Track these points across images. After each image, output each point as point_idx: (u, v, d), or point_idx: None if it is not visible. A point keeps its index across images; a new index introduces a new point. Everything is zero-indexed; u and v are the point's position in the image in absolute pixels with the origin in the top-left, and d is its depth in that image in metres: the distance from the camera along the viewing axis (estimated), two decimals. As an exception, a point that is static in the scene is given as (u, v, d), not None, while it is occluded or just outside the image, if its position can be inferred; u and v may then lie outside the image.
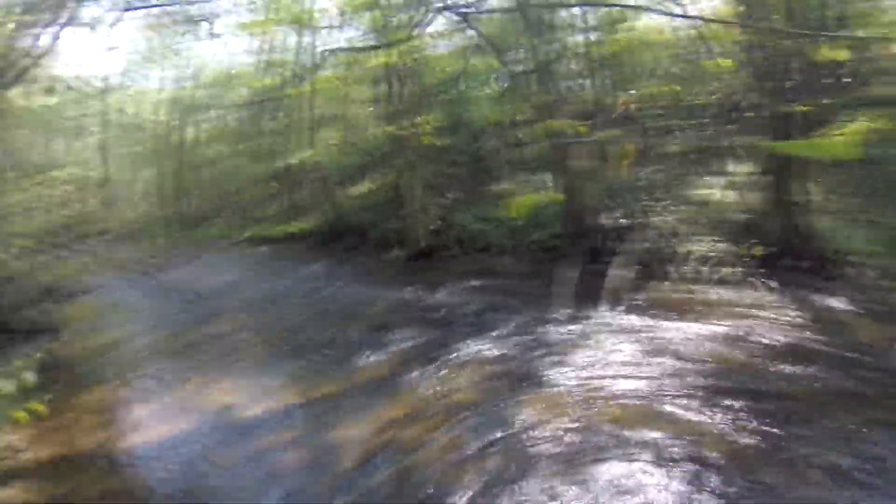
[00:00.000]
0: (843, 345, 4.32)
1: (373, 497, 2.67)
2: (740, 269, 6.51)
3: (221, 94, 20.02)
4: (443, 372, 4.24)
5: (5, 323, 5.59)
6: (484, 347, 4.75)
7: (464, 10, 3.76)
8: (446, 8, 4.15)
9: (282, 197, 18.61)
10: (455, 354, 4.61)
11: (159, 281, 9.26)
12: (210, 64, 23.63)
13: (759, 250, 6.52)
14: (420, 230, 10.65)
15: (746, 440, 2.94)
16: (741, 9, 6.80)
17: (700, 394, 3.53)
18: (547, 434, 3.14)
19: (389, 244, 11.24)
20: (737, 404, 3.33)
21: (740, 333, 4.67)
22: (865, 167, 8.98)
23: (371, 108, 15.94)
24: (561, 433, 3.14)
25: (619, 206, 8.29)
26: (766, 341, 4.46)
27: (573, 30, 12.28)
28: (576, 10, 10.74)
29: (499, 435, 3.16)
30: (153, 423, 3.54)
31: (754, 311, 5.34)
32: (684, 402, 3.43)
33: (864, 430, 2.94)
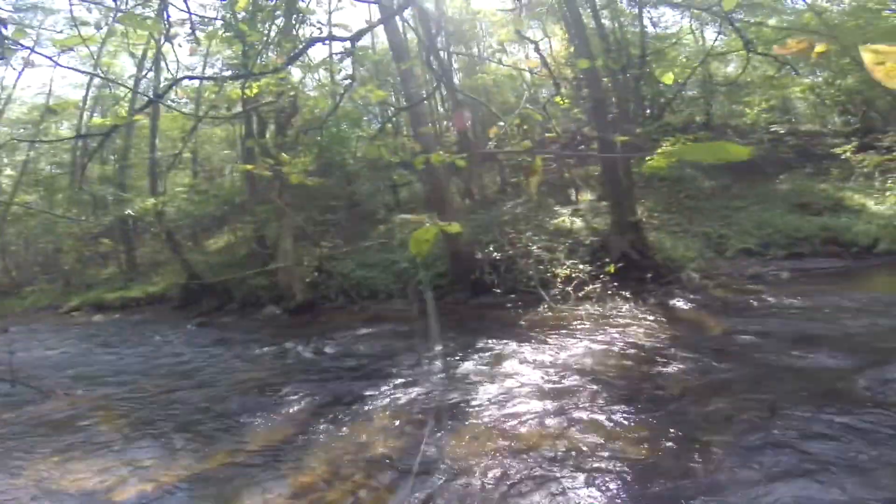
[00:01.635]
0: (694, 340, 5.16)
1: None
2: (598, 285, 7.35)
3: (35, 133, 16.65)
4: (348, 426, 3.86)
5: None
6: (385, 395, 4.48)
7: (342, 39, 3.73)
8: (323, 38, 4.10)
9: (118, 256, 15.96)
10: (356, 406, 4.26)
11: None
12: (23, 97, 19.81)
13: (611, 267, 7.44)
14: (296, 283, 9.97)
15: (644, 435, 3.19)
16: (571, 49, 8.02)
17: (597, 402, 3.81)
18: (473, 469, 3.00)
19: (261, 302, 10.27)
20: (626, 406, 3.68)
21: (610, 343, 5.31)
22: (671, 186, 11.17)
23: (226, 151, 14.80)
24: (486, 465, 3.03)
25: (491, 240, 8.82)
26: (633, 347, 5.12)
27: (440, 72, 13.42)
28: (443, 55, 11.69)
29: (427, 481, 2.92)
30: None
31: (617, 321, 6.18)
32: (588, 413, 3.62)
33: (733, 412, 3.38)
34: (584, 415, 3.62)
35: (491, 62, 12.91)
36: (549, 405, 3.84)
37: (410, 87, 8.51)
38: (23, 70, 16.55)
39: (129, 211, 13.47)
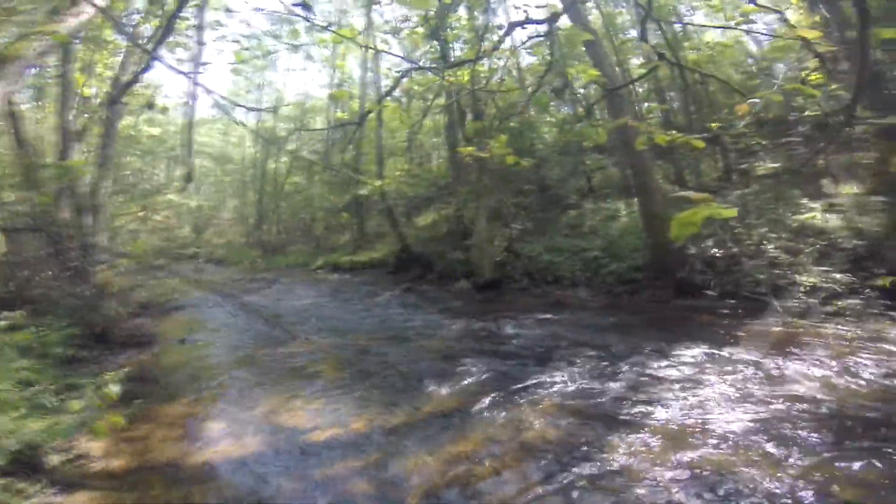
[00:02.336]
0: None
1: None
2: (859, 300, 5.74)
3: (297, 127, 21.46)
4: (514, 407, 4.01)
5: (104, 335, 6.05)
6: (558, 383, 4.45)
7: (540, 22, 3.65)
8: (523, 22, 4.08)
9: (352, 227, 19.37)
10: (527, 390, 4.36)
11: (243, 302, 9.76)
12: (286, 99, 25.65)
13: (884, 280, 5.72)
14: (486, 261, 10.53)
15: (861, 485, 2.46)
16: (817, 18, 6.23)
17: (807, 440, 3.12)
18: (633, 482, 2.81)
19: (455, 275, 11.19)
20: (847, 450, 2.93)
21: (859, 373, 4.14)
22: None
23: (434, 140, 16.22)
24: (650, 481, 2.80)
25: (711, 234, 7.62)
26: (889, 384, 3.88)
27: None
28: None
29: (579, 482, 2.87)
30: (224, 441, 3.58)
31: (879, 347, 4.75)
32: (787, 448, 3.00)
33: None
34: (775, 449, 3.04)
35: (705, 31, 10.95)
36: (740, 428, 3.33)
37: (606, 68, 7.91)
38: (287, 74, 21.09)
39: (362, 191, 16.17)
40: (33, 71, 9.89)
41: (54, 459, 3.01)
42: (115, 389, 2.74)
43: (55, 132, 8.93)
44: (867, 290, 5.87)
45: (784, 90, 3.76)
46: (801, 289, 6.30)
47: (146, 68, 4.91)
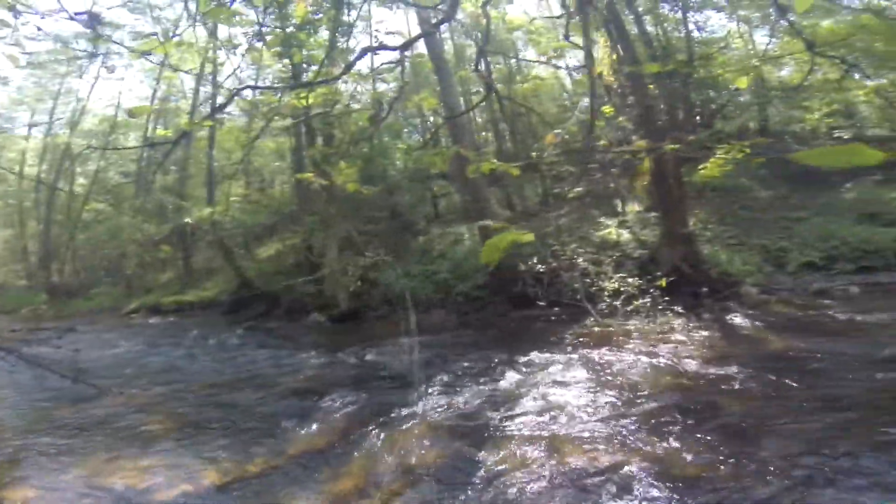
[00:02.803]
0: (753, 357, 4.79)
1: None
2: (648, 299, 7.03)
3: (104, 143, 17.83)
4: (388, 435, 3.85)
5: None
6: (428, 405, 4.45)
7: (392, 48, 3.77)
8: (376, 48, 4.16)
9: (175, 262, 16.86)
10: (399, 415, 4.25)
11: (27, 355, 7.57)
12: (93, 109, 21.20)
13: (662, 281, 7.09)
14: (341, 292, 10.16)
15: (690, 454, 3.01)
16: (614, 57, 7.72)
17: (643, 419, 3.63)
18: (517, 491, 2.90)
19: (307, 309, 10.53)
20: (674, 424, 3.48)
21: (661, 359, 5.02)
22: (725, 197, 10.61)
23: (277, 163, 15.36)
24: (522, 480, 2.94)
25: (534, 252, 8.63)
26: (685, 363, 4.82)
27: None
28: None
29: (470, 499, 2.85)
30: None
31: (668, 337, 5.85)
32: (632, 430, 3.48)
33: (793, 434, 3.11)
34: (628, 431, 3.47)
35: (535, 66, 12.73)
36: (592, 421, 3.71)
37: (451, 97, 8.55)
38: (95, 82, 17.87)
39: (187, 219, 14.19)
40: None
41: None
42: None
43: None
44: (652, 290, 7.22)
45: (581, 122, 4.48)
46: (607, 293, 7.53)
47: None
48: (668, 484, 2.75)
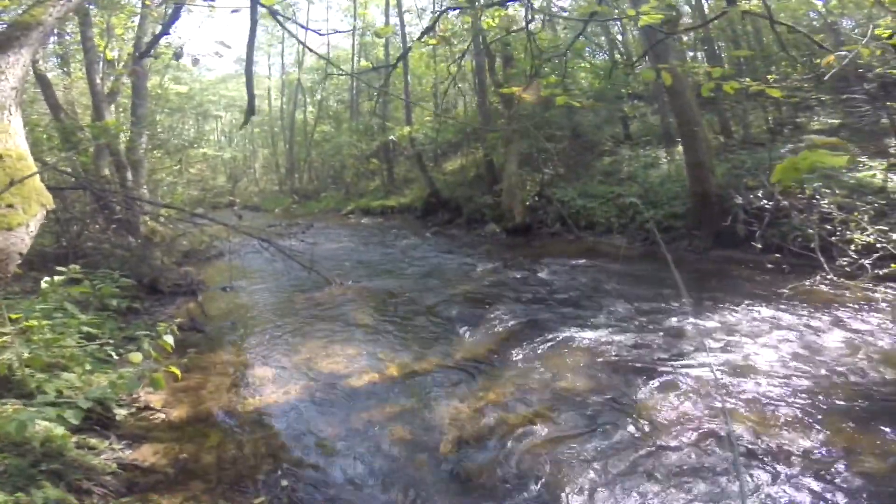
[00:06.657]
0: None
1: (471, 484, 2.60)
2: None
3: (323, 78, 21.29)
4: (546, 356, 4.06)
5: (153, 285, 6.37)
6: (591, 333, 4.46)
7: None
8: None
9: (381, 173, 19.31)
10: (559, 338, 4.39)
11: (280, 247, 9.97)
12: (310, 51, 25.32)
13: None
14: (517, 205, 10.37)
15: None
16: None
17: (838, 404, 3.08)
18: (661, 439, 2.84)
19: (484, 219, 11.12)
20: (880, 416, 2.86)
21: None
22: None
23: (459, 86, 15.73)
24: (677, 440, 2.82)
25: (759, 185, 7.19)
26: None
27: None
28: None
29: (611, 435, 2.92)
30: (270, 389, 3.78)
31: None
32: (816, 413, 3.01)
33: None
34: (812, 413, 3.01)
35: None
36: (776, 391, 3.26)
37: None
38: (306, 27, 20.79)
39: (391, 136, 16.11)
40: (54, 39, 10.00)
41: (121, 414, 3.19)
42: (169, 340, 2.88)
43: (85, 96, 9.04)
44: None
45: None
46: (853, 248, 5.91)
47: (174, 18, 4.76)
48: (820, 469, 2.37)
